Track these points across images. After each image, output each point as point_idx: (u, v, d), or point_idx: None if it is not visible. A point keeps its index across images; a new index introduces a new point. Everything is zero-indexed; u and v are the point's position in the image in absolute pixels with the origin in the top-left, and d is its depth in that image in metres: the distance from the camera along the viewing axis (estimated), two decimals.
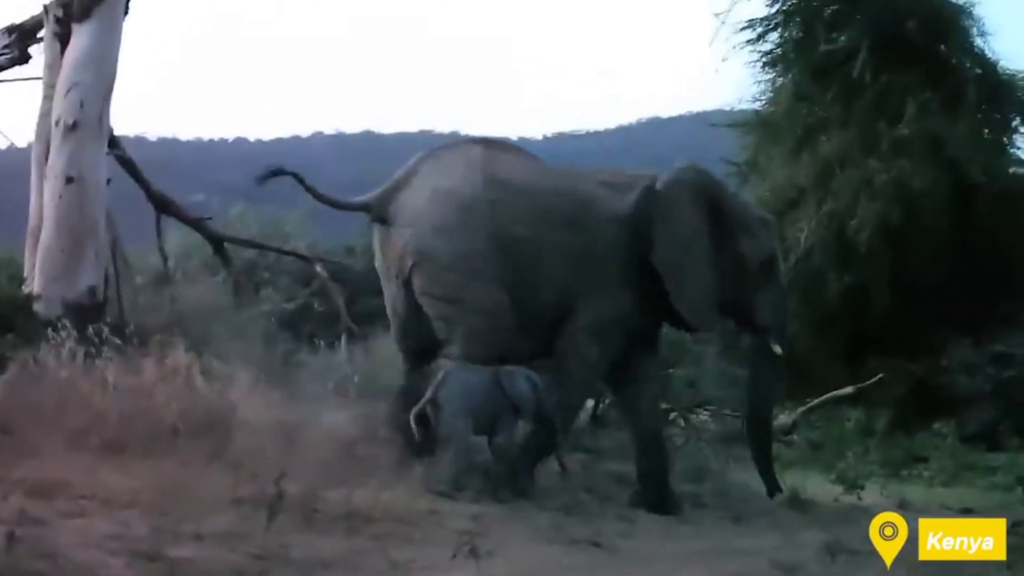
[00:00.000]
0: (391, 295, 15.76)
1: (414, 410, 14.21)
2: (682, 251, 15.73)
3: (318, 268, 22.96)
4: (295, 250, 24.69)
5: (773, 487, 16.87)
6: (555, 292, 15.40)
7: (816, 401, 22.53)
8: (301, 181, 15.82)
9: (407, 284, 15.27)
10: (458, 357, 14.89)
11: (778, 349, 16.67)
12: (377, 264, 16.03)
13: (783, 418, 22.80)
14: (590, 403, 19.59)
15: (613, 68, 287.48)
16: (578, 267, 15.40)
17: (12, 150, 27.42)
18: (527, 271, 15.21)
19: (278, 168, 15.56)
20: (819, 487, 17.47)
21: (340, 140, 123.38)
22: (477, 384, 14.34)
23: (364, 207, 16.12)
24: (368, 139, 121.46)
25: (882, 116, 27.27)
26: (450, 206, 15.19)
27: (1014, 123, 29.40)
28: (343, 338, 21.20)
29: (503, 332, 15.09)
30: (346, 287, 23.94)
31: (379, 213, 15.65)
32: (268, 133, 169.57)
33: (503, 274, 15.08)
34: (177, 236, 24.17)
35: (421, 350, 15.47)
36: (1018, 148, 29.56)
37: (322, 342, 20.99)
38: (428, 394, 14.21)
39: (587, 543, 12.02)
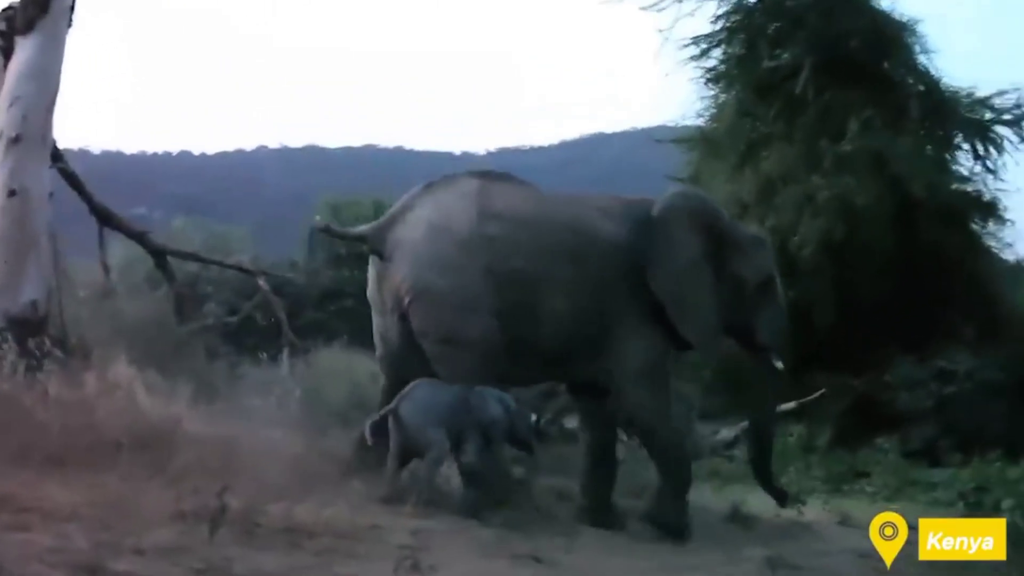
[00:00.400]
0: (384, 326, 15.73)
1: (371, 419, 14.21)
2: (681, 279, 15.65)
3: (260, 282, 22.96)
4: (238, 263, 24.66)
5: (782, 498, 17.02)
6: (560, 325, 15.25)
7: None
8: (335, 233, 17.51)
9: (403, 318, 15.25)
10: None
11: (780, 365, 16.82)
12: (370, 295, 15.98)
13: (725, 433, 22.94)
14: (532, 417, 19.61)
15: (556, 83, 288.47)
16: (585, 301, 15.33)
17: None
18: (527, 305, 15.13)
19: (324, 226, 17.69)
20: (761, 502, 17.43)
21: (284, 154, 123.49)
22: (441, 400, 14.18)
23: (361, 238, 16.22)
24: (312, 153, 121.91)
25: (825, 132, 27.48)
26: (446, 242, 15.15)
27: (956, 140, 29.66)
28: (285, 352, 21.23)
29: (497, 367, 15.04)
30: (288, 301, 24.05)
31: (375, 246, 15.66)
32: (212, 146, 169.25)
33: (501, 308, 15.03)
34: (120, 249, 24.16)
35: (409, 380, 15.27)
36: (961, 165, 29.87)
37: (264, 356, 21.01)
38: (391, 405, 14.17)
39: (529, 558, 11.95)
